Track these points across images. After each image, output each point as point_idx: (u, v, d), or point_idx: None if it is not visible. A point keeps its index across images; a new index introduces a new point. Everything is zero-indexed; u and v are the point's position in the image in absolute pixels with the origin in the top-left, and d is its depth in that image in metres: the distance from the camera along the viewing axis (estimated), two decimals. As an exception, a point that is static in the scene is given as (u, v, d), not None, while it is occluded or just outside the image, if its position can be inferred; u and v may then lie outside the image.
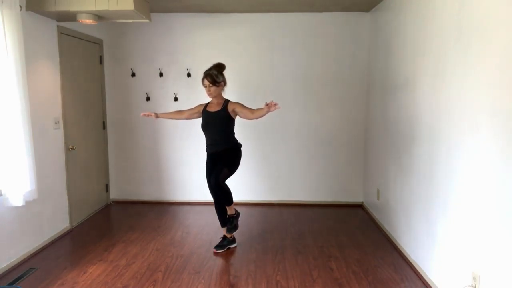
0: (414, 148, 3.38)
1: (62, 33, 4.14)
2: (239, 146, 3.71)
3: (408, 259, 3.48)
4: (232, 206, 3.77)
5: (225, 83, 3.65)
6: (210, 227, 4.39)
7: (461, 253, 2.57)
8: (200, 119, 3.76)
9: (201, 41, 5.08)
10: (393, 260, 3.54)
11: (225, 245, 3.75)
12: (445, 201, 2.80)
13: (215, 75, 3.56)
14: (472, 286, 2.41)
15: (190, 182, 5.32)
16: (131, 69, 5.18)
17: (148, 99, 5.22)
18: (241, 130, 5.20)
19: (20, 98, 3.19)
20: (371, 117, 4.87)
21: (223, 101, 3.64)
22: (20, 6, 3.30)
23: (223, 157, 3.63)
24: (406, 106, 3.59)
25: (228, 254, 3.68)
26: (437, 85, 2.94)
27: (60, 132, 4.11)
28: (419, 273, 3.22)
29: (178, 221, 4.65)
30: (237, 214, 3.81)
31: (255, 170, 5.26)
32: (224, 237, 3.81)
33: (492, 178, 2.23)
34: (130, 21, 4.20)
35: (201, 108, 3.73)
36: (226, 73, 5.08)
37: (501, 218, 2.14)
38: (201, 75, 5.09)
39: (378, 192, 4.51)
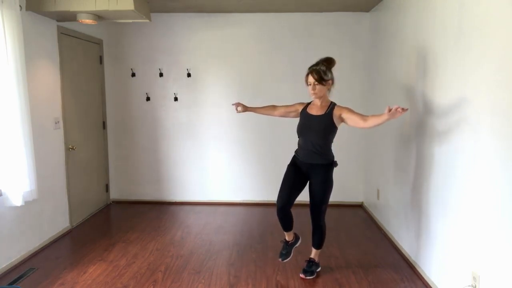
0: (414, 148, 3.38)
1: (62, 33, 4.14)
2: (334, 164, 3.13)
3: (408, 259, 3.48)
4: (319, 253, 3.31)
5: (333, 82, 3.05)
6: (210, 227, 4.39)
7: (461, 253, 2.57)
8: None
9: (201, 41, 5.09)
10: (393, 260, 3.54)
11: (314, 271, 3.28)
12: (445, 201, 2.80)
13: (322, 72, 2.96)
14: (472, 286, 2.41)
15: (190, 182, 5.32)
16: (131, 69, 5.18)
17: (148, 99, 5.22)
18: (241, 129, 5.23)
19: (20, 98, 3.19)
20: (371, 117, 4.87)
21: (329, 104, 3.06)
22: (20, 6, 3.30)
23: (314, 177, 3.11)
24: (406, 106, 3.58)
25: (228, 254, 3.68)
26: (437, 85, 2.94)
27: (60, 132, 4.11)
28: (419, 273, 3.22)
29: (178, 221, 4.65)
30: (319, 264, 3.33)
31: (256, 170, 5.26)
32: (312, 261, 3.30)
33: (492, 178, 2.23)
34: (130, 21, 4.20)
35: (300, 108, 3.20)
36: (226, 72, 5.15)
37: (501, 218, 2.14)
38: (201, 75, 5.18)
39: (378, 192, 4.51)
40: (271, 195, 5.30)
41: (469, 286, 2.43)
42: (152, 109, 5.24)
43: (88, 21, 3.77)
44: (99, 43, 5.01)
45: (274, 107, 3.35)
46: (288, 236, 3.36)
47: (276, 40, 5.06)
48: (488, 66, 2.26)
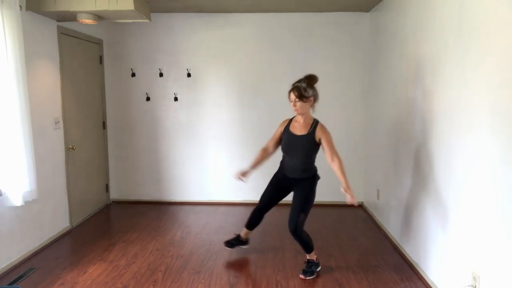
0: (414, 148, 3.38)
1: (62, 33, 4.14)
2: (317, 178, 3.26)
3: (408, 259, 3.48)
4: (314, 253, 3.30)
5: (315, 99, 3.11)
6: (210, 227, 4.39)
7: (461, 253, 2.57)
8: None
9: (201, 41, 5.09)
10: (393, 260, 3.54)
11: (314, 271, 3.26)
12: (445, 201, 2.80)
13: (303, 89, 3.02)
14: (472, 286, 2.41)
15: (190, 182, 5.32)
16: (131, 69, 5.18)
17: (148, 99, 5.22)
18: (241, 129, 5.23)
19: (20, 98, 3.19)
20: (371, 117, 4.87)
21: (311, 123, 3.12)
22: (20, 6, 3.30)
23: (297, 187, 3.22)
24: (406, 106, 3.59)
25: (228, 254, 3.68)
26: (437, 85, 2.94)
27: (60, 132, 4.11)
28: (419, 273, 3.22)
29: (178, 221, 4.65)
30: (318, 262, 3.30)
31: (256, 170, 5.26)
32: (309, 261, 3.31)
33: (492, 178, 2.22)
34: (130, 21, 4.20)
35: (284, 125, 3.23)
36: (226, 72, 5.14)
37: (501, 218, 2.14)
38: (201, 75, 5.18)
39: (378, 192, 4.51)
40: (271, 195, 5.31)
41: (469, 286, 2.43)
42: (152, 109, 5.24)
43: (88, 21, 3.77)
44: (99, 43, 5.00)
45: (265, 149, 3.36)
46: (244, 234, 3.62)
47: (276, 40, 5.06)
48: (488, 66, 2.26)
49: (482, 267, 2.32)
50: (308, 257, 3.30)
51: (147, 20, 4.10)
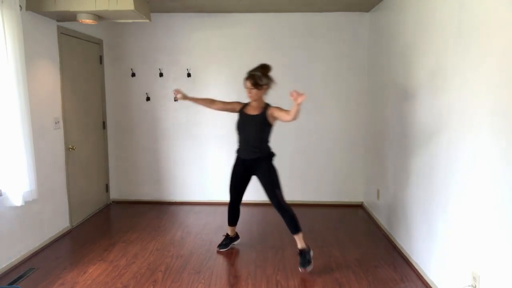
0: (414, 148, 3.38)
1: (62, 33, 4.14)
2: (271, 155, 3.41)
3: (408, 259, 3.48)
4: (301, 236, 3.34)
5: (268, 87, 3.34)
6: (210, 227, 4.39)
7: (461, 253, 2.57)
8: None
9: (201, 41, 5.08)
10: (393, 260, 3.54)
11: (309, 261, 3.31)
12: (445, 201, 2.80)
13: (258, 77, 3.26)
14: (472, 286, 2.41)
15: (190, 182, 5.32)
16: (131, 69, 5.18)
17: (148, 99, 5.22)
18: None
19: (20, 98, 3.19)
20: (371, 117, 4.87)
21: (263, 105, 3.35)
22: (20, 6, 3.30)
23: (257, 170, 3.39)
24: (406, 106, 3.59)
25: (228, 254, 3.68)
26: (437, 85, 2.94)
27: (60, 132, 4.11)
28: (419, 273, 3.22)
29: (178, 221, 4.65)
30: (309, 249, 3.35)
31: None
32: (302, 251, 3.35)
33: (492, 178, 2.23)
34: (130, 21, 4.20)
35: (239, 107, 3.48)
36: (226, 72, 5.14)
37: (501, 218, 2.14)
38: (201, 75, 5.18)
39: (378, 192, 4.51)
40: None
41: (469, 286, 2.44)
42: (152, 109, 5.24)
43: (88, 21, 3.77)
44: (99, 43, 5.00)
45: (212, 100, 3.59)
46: (231, 231, 3.80)
47: (276, 40, 5.06)
48: (488, 66, 2.26)
49: (482, 267, 2.32)
50: (298, 247, 3.34)
51: (147, 20, 4.10)
